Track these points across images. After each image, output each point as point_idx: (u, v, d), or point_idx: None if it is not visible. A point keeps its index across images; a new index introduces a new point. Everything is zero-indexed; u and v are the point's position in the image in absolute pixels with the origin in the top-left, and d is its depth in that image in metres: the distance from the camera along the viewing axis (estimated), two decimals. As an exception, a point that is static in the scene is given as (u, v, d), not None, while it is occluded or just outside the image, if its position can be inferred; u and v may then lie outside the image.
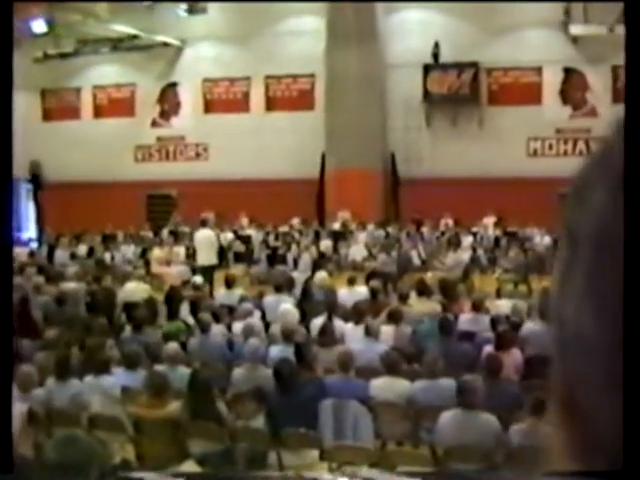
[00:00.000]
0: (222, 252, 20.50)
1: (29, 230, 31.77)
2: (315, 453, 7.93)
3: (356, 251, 21.72)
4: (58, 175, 30.12)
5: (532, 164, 25.66)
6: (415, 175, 26.59)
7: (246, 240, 23.76)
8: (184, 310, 13.10)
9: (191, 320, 12.56)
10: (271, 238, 24.22)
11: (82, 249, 22.90)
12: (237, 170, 28.14)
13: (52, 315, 13.11)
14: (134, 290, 14.67)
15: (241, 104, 29.97)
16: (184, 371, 9.26)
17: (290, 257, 21.25)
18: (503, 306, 13.12)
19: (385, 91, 27.43)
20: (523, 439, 6.92)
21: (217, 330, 11.64)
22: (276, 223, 25.33)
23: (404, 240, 22.17)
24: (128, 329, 11.74)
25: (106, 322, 12.05)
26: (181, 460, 6.54)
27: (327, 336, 10.51)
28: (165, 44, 29.62)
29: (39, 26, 27.68)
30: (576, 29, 25.29)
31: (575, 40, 25.78)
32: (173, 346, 9.91)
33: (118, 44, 29.64)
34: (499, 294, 15.39)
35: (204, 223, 19.02)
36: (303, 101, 29.08)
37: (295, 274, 17.37)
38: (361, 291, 14.36)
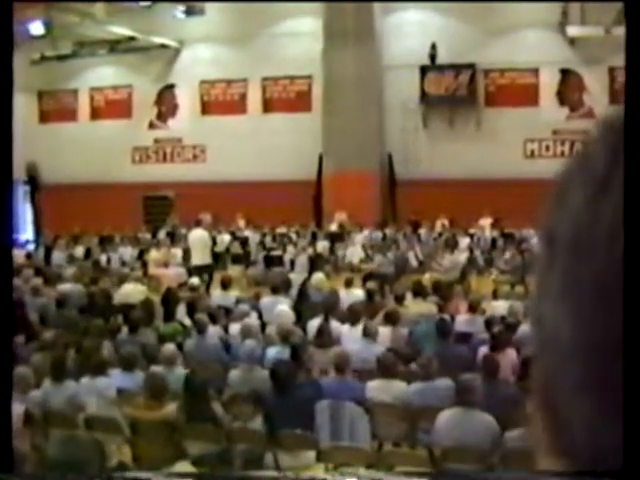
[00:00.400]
0: (217, 253, 20.51)
1: (26, 232, 31.74)
2: (312, 454, 7.93)
3: (353, 252, 21.73)
4: (55, 177, 30.09)
5: (529, 165, 25.66)
6: (412, 176, 26.60)
7: (243, 241, 23.76)
8: (181, 311, 13.10)
9: (188, 321, 12.56)
10: (268, 239, 24.22)
11: (79, 251, 22.89)
12: (234, 172, 28.15)
13: (49, 317, 13.10)
14: (131, 292, 14.67)
15: (238, 106, 29.98)
16: (181, 372, 9.26)
17: (287, 258, 21.25)
18: (500, 307, 13.13)
19: (382, 92, 27.45)
20: (520, 441, 6.92)
21: (214, 331, 11.64)
22: (273, 225, 25.35)
23: (401, 241, 22.16)
24: (125, 330, 11.74)
25: (103, 324, 12.04)
26: (177, 461, 6.53)
27: (324, 337, 10.52)
28: (162, 46, 29.64)
29: (36, 28, 27.68)
30: (573, 30, 25.32)
31: (572, 41, 25.81)
32: (170, 347, 9.90)
33: (115, 46, 29.66)
34: (496, 295, 15.40)
35: (198, 223, 19.05)
36: (300, 103, 29.10)
37: (292, 275, 17.38)
38: (357, 293, 14.38)
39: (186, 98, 30.62)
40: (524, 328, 10.79)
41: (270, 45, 28.74)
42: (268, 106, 29.72)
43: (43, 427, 8.10)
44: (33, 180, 31.12)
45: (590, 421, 0.60)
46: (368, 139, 26.36)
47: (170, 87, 30.84)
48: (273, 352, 10.27)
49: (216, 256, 20.05)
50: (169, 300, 13.28)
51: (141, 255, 21.59)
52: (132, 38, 28.98)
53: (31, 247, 26.53)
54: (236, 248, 23.35)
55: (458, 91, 27.19)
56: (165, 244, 21.54)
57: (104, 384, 8.91)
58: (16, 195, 32.35)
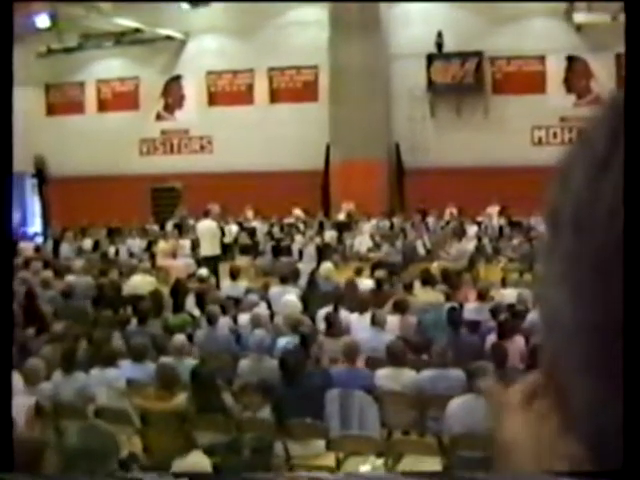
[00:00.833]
0: (225, 244, 20.52)
1: (34, 225, 31.82)
2: (321, 443, 7.95)
3: (361, 242, 21.72)
4: (63, 169, 30.13)
5: (537, 153, 25.57)
6: (420, 165, 26.55)
7: (251, 232, 23.78)
8: (190, 302, 13.12)
9: (197, 312, 12.59)
10: (276, 230, 24.23)
11: (87, 243, 22.93)
12: (242, 162, 28.14)
13: (59, 309, 13.15)
14: (140, 283, 14.69)
15: (245, 96, 29.95)
16: (191, 363, 9.29)
17: (295, 248, 21.25)
18: (508, 295, 13.12)
19: (389, 81, 27.40)
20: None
21: (223, 322, 11.67)
22: (281, 215, 25.35)
23: (409, 230, 22.15)
24: (134, 322, 11.77)
25: (112, 315, 12.08)
26: (188, 452, 6.56)
27: (333, 326, 10.54)
28: (168, 37, 29.59)
29: (42, 21, 27.65)
30: (580, 17, 25.24)
31: (579, 28, 25.73)
32: (180, 338, 9.93)
33: (121, 38, 29.63)
34: (504, 283, 15.39)
35: (207, 214, 19.05)
36: (307, 92, 29.06)
37: (300, 265, 17.39)
38: (367, 282, 14.39)
39: (193, 89, 30.60)
40: (533, 316, 10.79)
41: (276, 35, 28.69)
42: (275, 96, 29.69)
43: (53, 419, 8.14)
44: (41, 173, 31.18)
45: (592, 400, 0.61)
46: (375, 128, 26.31)
47: (177, 78, 30.82)
48: (283, 342, 10.29)
49: (225, 247, 20.06)
50: (178, 291, 13.30)
51: (149, 246, 21.61)
52: (138, 30, 28.94)
53: (39, 240, 26.59)
54: (244, 239, 23.37)
55: (465, 79, 27.13)
56: (173, 235, 21.57)
57: (114, 375, 8.94)
58: (24, 188, 32.45)
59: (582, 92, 26.20)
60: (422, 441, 8.20)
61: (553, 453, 0.67)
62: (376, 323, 10.67)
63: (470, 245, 19.94)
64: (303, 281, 15.01)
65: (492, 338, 10.07)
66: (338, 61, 26.57)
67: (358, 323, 11.07)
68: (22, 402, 7.96)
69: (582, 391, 0.62)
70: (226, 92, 30.22)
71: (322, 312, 11.57)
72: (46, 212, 31.22)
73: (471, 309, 12.08)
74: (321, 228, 23.47)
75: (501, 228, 22.90)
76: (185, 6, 28.64)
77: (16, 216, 31.59)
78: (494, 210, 24.25)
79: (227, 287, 15.04)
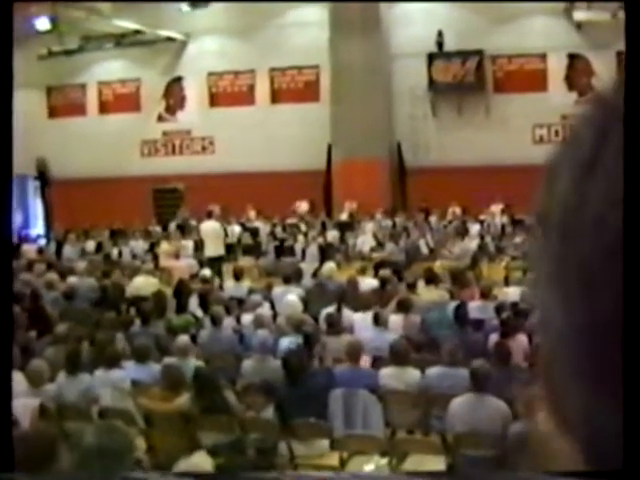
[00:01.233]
0: (228, 245, 20.54)
1: (37, 227, 31.85)
2: (325, 443, 7.95)
3: (364, 241, 21.71)
4: (65, 171, 30.16)
5: (538, 151, 25.55)
6: (422, 164, 26.56)
7: (254, 232, 23.79)
8: (193, 303, 13.14)
9: (200, 313, 12.60)
10: (278, 230, 24.24)
11: (90, 245, 22.94)
12: (243, 163, 28.15)
13: (62, 310, 13.16)
14: (143, 284, 14.70)
15: (246, 97, 29.97)
16: (194, 364, 9.30)
17: (298, 248, 21.25)
18: (511, 293, 13.12)
19: (390, 81, 27.40)
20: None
21: (226, 322, 11.68)
22: (283, 215, 25.36)
23: (412, 229, 22.15)
24: (137, 323, 11.78)
25: (115, 316, 12.09)
26: (192, 452, 6.56)
27: (335, 326, 10.55)
28: (169, 39, 29.61)
29: (42, 23, 27.66)
30: (580, 15, 25.23)
31: (579, 26, 25.72)
32: (183, 339, 9.94)
33: (122, 40, 29.65)
34: (507, 281, 15.39)
35: (210, 215, 19.06)
36: (308, 93, 29.06)
37: (303, 265, 17.40)
38: (370, 281, 14.40)
39: (194, 90, 30.61)
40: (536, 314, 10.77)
41: (277, 35, 28.70)
42: (276, 97, 29.70)
43: (57, 420, 8.15)
44: (43, 175, 31.23)
45: (585, 405, 0.61)
46: (377, 128, 26.32)
47: (178, 80, 30.83)
48: (285, 342, 10.30)
49: (228, 247, 20.08)
50: (181, 292, 13.31)
51: (152, 248, 21.61)
52: (138, 32, 28.95)
53: (42, 242, 26.62)
54: (247, 239, 23.38)
55: (466, 78, 27.12)
56: (176, 236, 21.58)
57: (118, 376, 8.95)
58: (26, 190, 32.49)
59: (583, 90, 26.15)
60: (426, 440, 8.21)
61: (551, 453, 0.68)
62: (379, 322, 10.68)
63: (473, 244, 19.93)
64: (306, 281, 15.03)
65: (495, 336, 10.08)
66: (339, 61, 26.58)
67: (362, 322, 11.07)
68: (26, 403, 7.98)
69: (575, 395, 0.62)
70: (227, 93, 30.23)
71: (325, 312, 11.58)
72: (48, 214, 31.26)
73: (474, 307, 12.08)
74: (323, 228, 23.47)
75: (504, 226, 22.89)
76: (185, 7, 28.65)
77: (19, 218, 31.65)
78: (497, 208, 24.26)
79: (230, 287, 15.05)
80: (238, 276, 15.21)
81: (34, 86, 31.24)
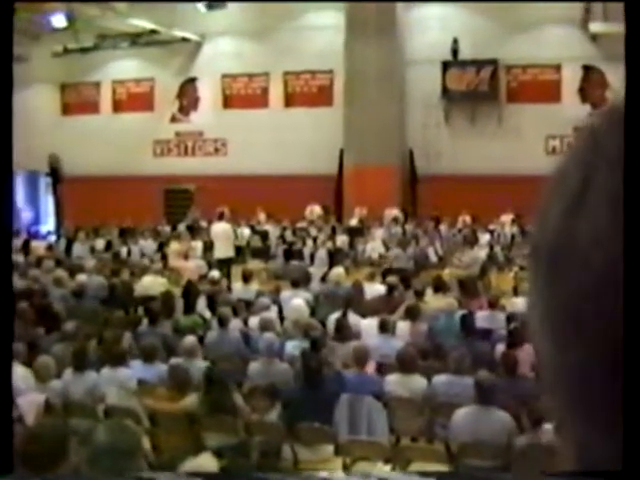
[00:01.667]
0: (238, 247, 20.56)
1: (48, 223, 31.92)
2: (330, 448, 7.95)
3: (373, 247, 21.68)
4: (77, 169, 30.23)
5: (551, 162, 25.32)
6: (433, 172, 26.56)
7: (263, 235, 23.80)
8: (201, 304, 13.15)
9: (208, 314, 12.61)
10: (288, 233, 24.23)
11: (100, 243, 22.97)
12: (255, 165, 28.18)
13: (70, 308, 13.19)
14: (151, 284, 14.73)
15: (260, 100, 29.99)
16: (201, 364, 9.31)
17: (307, 252, 21.25)
18: (520, 303, 13.10)
19: (404, 87, 27.40)
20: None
21: (234, 324, 11.68)
22: (293, 219, 25.35)
23: (421, 237, 22.12)
24: (145, 322, 11.80)
25: (123, 315, 12.11)
26: (197, 453, 6.57)
27: (342, 331, 10.55)
28: (184, 39, 29.65)
29: (58, 21, 27.73)
30: (596, 27, 25.18)
31: (594, 38, 25.68)
32: (190, 339, 9.95)
33: (137, 39, 29.70)
34: (516, 292, 15.36)
35: (221, 216, 19.08)
36: (322, 97, 29.07)
37: (311, 269, 17.39)
38: (378, 287, 14.39)
39: (208, 91, 30.65)
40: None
41: (292, 39, 28.72)
42: (290, 100, 29.72)
43: (63, 417, 8.16)
44: (55, 172, 31.30)
45: (578, 437, 0.62)
46: (389, 134, 26.32)
47: (192, 80, 30.87)
48: (292, 346, 10.31)
49: (237, 249, 20.10)
50: (189, 293, 13.33)
51: (161, 248, 21.64)
52: (154, 31, 28.99)
53: (52, 239, 26.67)
54: (256, 242, 23.39)
55: (480, 87, 27.10)
56: (185, 237, 21.60)
57: (124, 375, 8.96)
58: (38, 187, 32.59)
59: (597, 102, 26.12)
60: (430, 448, 8.20)
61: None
62: (385, 329, 10.67)
63: (482, 253, 19.90)
64: (314, 285, 15.03)
65: (502, 346, 10.07)
66: (353, 65, 26.57)
67: (369, 328, 11.07)
68: (32, 399, 8.00)
69: (569, 425, 0.62)
70: (241, 95, 30.26)
71: (333, 317, 11.59)
72: (59, 211, 31.33)
73: (482, 317, 12.06)
74: (333, 233, 23.47)
75: (513, 236, 22.85)
76: (201, 8, 28.69)
77: (30, 214, 31.75)
78: (507, 218, 24.21)
79: (238, 290, 15.06)
80: (247, 278, 15.22)
81: (48, 82, 31.40)
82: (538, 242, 0.64)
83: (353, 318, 11.56)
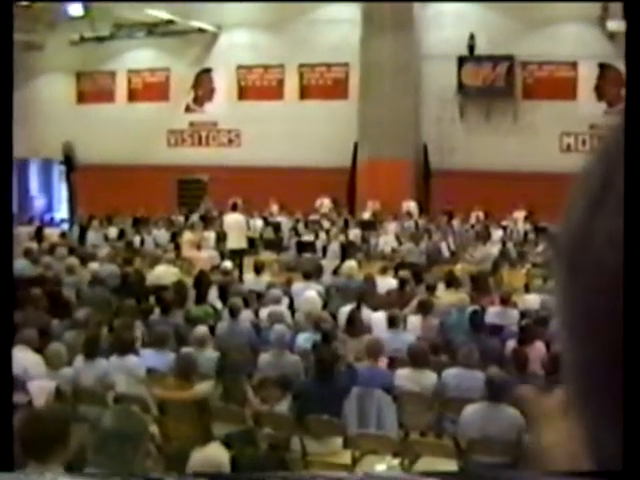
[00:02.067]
0: (250, 238, 20.57)
1: (61, 211, 32.01)
2: (339, 441, 7.96)
3: (386, 241, 21.67)
4: (91, 157, 30.28)
5: (565, 159, 25.45)
6: (447, 167, 26.51)
7: (276, 227, 23.81)
8: (212, 294, 13.16)
9: (219, 305, 12.62)
10: (300, 226, 24.24)
11: (113, 231, 23.02)
12: (269, 157, 28.18)
13: (83, 296, 13.23)
14: (164, 273, 14.76)
15: (275, 91, 29.97)
16: (211, 354, 9.33)
17: (319, 245, 21.24)
18: (531, 300, 13.09)
19: (419, 82, 27.35)
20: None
21: (245, 315, 11.70)
22: (306, 211, 25.35)
23: (434, 232, 22.09)
24: (157, 311, 11.82)
25: (135, 304, 12.13)
26: (205, 442, 6.58)
27: (355, 324, 10.55)
28: (200, 30, 29.64)
29: (75, 9, 27.80)
30: (613, 25, 25.07)
31: (612, 36, 25.56)
32: (201, 329, 9.97)
33: (153, 29, 29.71)
34: (528, 288, 15.34)
35: (235, 207, 19.09)
36: (337, 90, 29.04)
37: (324, 262, 17.40)
38: (391, 281, 14.39)
39: (223, 82, 30.64)
40: (555, 322, 10.73)
41: (308, 31, 28.68)
42: (305, 93, 29.69)
43: (72, 404, 8.19)
44: (69, 160, 31.36)
45: (590, 432, 0.62)
46: (404, 128, 26.29)
47: (207, 71, 30.87)
48: (303, 338, 10.32)
49: (250, 241, 20.12)
50: (201, 282, 13.34)
51: (174, 237, 21.68)
52: (170, 21, 29.00)
53: (65, 226, 26.75)
54: (269, 233, 23.40)
55: (496, 83, 27.02)
56: (198, 227, 21.63)
57: (133, 363, 8.98)
58: (52, 174, 32.69)
59: (613, 100, 26.04)
60: (439, 443, 8.20)
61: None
62: (394, 324, 10.66)
63: (494, 249, 19.88)
64: (326, 278, 15.04)
65: (513, 343, 10.06)
66: (369, 59, 26.54)
67: (380, 322, 11.07)
68: (42, 385, 8.03)
69: (582, 419, 0.63)
70: (256, 86, 30.25)
71: (344, 309, 11.59)
72: (73, 199, 31.41)
73: (493, 313, 12.05)
74: (346, 226, 23.46)
75: (526, 233, 22.81)
76: (218, -1, 28.68)
77: (43, 202, 31.86)
78: (520, 215, 24.17)
79: (250, 281, 15.07)
80: (259, 270, 15.23)
81: (64, 71, 31.45)
82: (560, 240, 0.64)
83: (364, 312, 11.57)
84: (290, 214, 25.23)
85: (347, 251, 19.47)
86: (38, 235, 21.52)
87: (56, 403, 7.74)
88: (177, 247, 19.44)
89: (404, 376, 8.85)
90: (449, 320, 11.54)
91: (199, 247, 18.56)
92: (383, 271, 15.15)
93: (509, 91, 27.01)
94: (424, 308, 11.52)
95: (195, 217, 24.83)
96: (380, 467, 7.52)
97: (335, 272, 15.93)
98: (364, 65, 26.78)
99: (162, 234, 22.70)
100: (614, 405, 0.58)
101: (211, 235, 20.77)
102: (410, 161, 26.67)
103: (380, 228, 23.12)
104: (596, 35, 25.94)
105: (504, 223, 23.66)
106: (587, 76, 26.57)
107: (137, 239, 21.89)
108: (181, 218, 25.35)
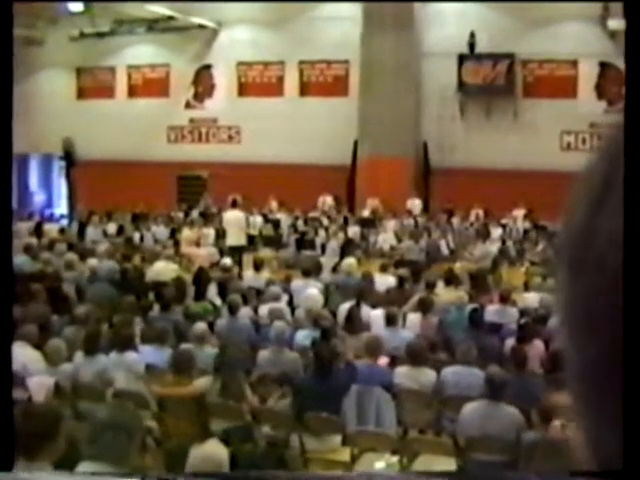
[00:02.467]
0: (250, 235, 20.58)
1: (60, 206, 32.01)
2: (337, 438, 7.96)
3: (385, 239, 21.66)
4: (91, 153, 30.27)
5: (565, 158, 25.45)
6: (447, 165, 26.51)
7: (275, 224, 23.81)
8: (212, 291, 13.17)
9: (218, 301, 12.63)
10: (300, 223, 24.23)
11: (112, 227, 23.01)
12: (269, 154, 28.17)
13: (82, 291, 13.23)
14: (163, 270, 14.75)
15: (275, 88, 29.95)
16: (210, 351, 9.33)
17: (318, 242, 21.24)
18: (531, 299, 13.09)
19: (420, 79, 27.34)
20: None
21: (245, 312, 11.71)
22: (305, 208, 25.35)
23: (433, 229, 22.10)
24: (156, 308, 11.82)
25: (134, 300, 12.14)
26: (204, 439, 6.58)
27: (354, 322, 10.55)
28: (201, 26, 29.63)
29: (75, 5, 27.78)
30: (614, 24, 25.07)
31: (612, 35, 25.55)
32: (201, 326, 9.97)
33: (154, 25, 29.70)
34: (527, 287, 15.34)
35: (234, 204, 19.09)
36: (337, 87, 29.02)
37: (323, 259, 17.40)
38: (390, 279, 14.40)
39: (223, 79, 30.62)
40: (554, 320, 10.73)
41: (308, 28, 28.67)
42: (305, 90, 29.67)
43: (71, 399, 8.19)
44: (69, 155, 31.35)
45: (591, 432, 0.62)
46: (404, 126, 26.28)
47: (207, 67, 30.85)
48: (302, 335, 10.32)
49: (249, 238, 20.12)
50: (200, 279, 13.36)
51: (173, 234, 21.67)
52: (171, 17, 29.00)
53: (65, 222, 26.74)
54: (268, 230, 23.40)
55: (496, 81, 27.01)
56: (198, 224, 21.62)
57: (132, 359, 8.98)
58: (51, 170, 32.68)
59: (613, 99, 26.03)
60: (438, 441, 8.20)
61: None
62: (391, 322, 10.66)
63: (494, 247, 19.88)
64: (325, 275, 15.04)
65: (512, 341, 10.06)
66: (369, 56, 26.53)
67: (379, 320, 11.07)
68: (42, 381, 8.03)
69: (582, 422, 0.63)
70: (256, 83, 30.23)
71: (344, 307, 11.59)
72: (72, 195, 31.40)
73: (492, 311, 12.05)
74: (345, 223, 23.46)
75: (526, 231, 22.81)
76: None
77: (43, 197, 31.86)
78: (520, 213, 24.18)
79: (249, 278, 15.08)
80: (258, 267, 15.24)
81: (64, 66, 31.44)
82: (561, 238, 0.64)
83: (364, 309, 11.57)
84: (290, 211, 25.23)
85: (346, 248, 19.46)
86: (38, 231, 21.51)
87: (55, 399, 7.75)
88: (176, 243, 19.44)
89: (403, 374, 8.86)
90: (448, 318, 11.54)
91: (198, 244, 18.57)
92: (382, 269, 15.15)
93: (509, 89, 27.01)
94: (423, 306, 11.52)
95: (195, 213, 24.82)
96: (379, 465, 7.53)
97: (334, 269, 15.92)
98: (364, 62, 26.78)
99: (161, 230, 22.69)
100: (614, 404, 0.58)
101: (210, 232, 20.76)
102: (410, 159, 26.67)
103: (379, 226, 23.12)
104: (597, 34, 25.93)
105: (504, 221, 23.67)
106: (588, 75, 26.57)
107: (136, 235, 21.88)
108: (180, 214, 25.33)
